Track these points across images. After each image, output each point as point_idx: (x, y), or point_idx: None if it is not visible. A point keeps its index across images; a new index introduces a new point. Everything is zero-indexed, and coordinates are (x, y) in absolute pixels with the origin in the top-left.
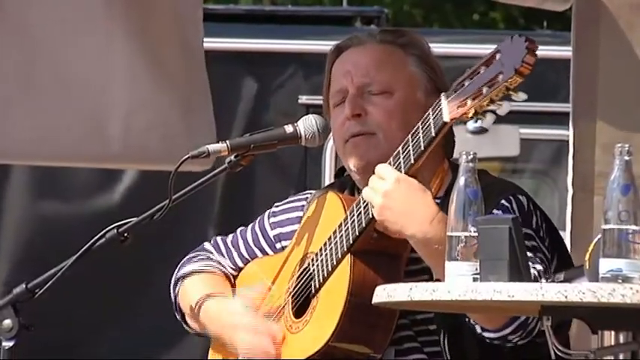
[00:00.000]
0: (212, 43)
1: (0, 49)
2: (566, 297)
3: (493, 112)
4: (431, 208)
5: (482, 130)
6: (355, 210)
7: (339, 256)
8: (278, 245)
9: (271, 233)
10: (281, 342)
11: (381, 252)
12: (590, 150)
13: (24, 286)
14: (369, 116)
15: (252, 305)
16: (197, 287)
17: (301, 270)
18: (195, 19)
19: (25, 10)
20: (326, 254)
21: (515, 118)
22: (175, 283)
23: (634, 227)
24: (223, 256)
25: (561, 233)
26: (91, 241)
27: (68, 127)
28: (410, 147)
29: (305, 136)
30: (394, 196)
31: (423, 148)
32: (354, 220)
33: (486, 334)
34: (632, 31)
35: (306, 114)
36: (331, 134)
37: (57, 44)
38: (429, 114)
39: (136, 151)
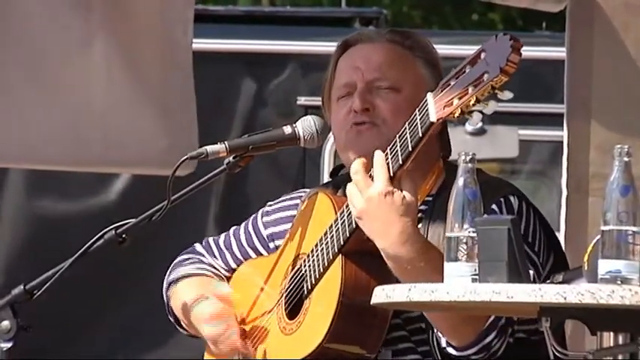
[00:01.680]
0: (211, 44)
1: None
2: (565, 298)
3: (480, 111)
4: (407, 229)
5: (481, 131)
6: (346, 211)
7: (331, 258)
8: (271, 245)
9: (264, 233)
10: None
11: (372, 252)
12: (585, 151)
13: (22, 287)
14: (377, 110)
15: (225, 300)
16: (188, 290)
17: (293, 271)
18: (185, 18)
19: (3, 13)
20: (317, 255)
21: (514, 119)
22: (167, 288)
23: (633, 228)
24: (215, 258)
25: (557, 234)
26: (89, 242)
27: (48, 131)
28: (398, 147)
29: (304, 137)
30: (374, 209)
31: (410, 148)
32: (344, 221)
33: (450, 350)
34: (627, 31)
35: (305, 115)
36: (330, 134)
37: (35, 45)
38: (415, 114)
39: (114, 154)
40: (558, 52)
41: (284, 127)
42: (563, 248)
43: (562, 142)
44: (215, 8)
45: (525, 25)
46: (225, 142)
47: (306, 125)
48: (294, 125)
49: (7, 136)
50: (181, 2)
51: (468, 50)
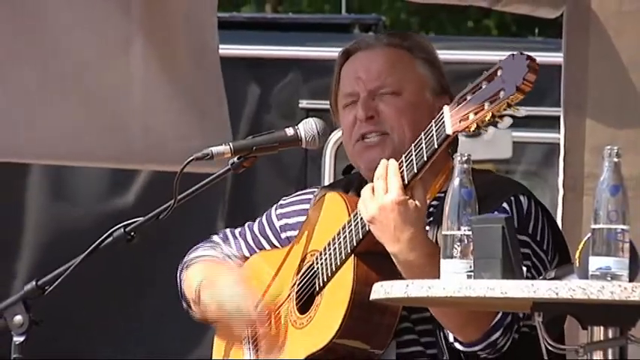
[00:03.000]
0: None
1: (21, 53)
2: (557, 294)
3: (494, 125)
4: (417, 237)
5: (476, 133)
6: (359, 213)
7: (343, 257)
8: (283, 235)
9: (277, 224)
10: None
11: (384, 254)
12: (580, 152)
13: (34, 282)
14: (381, 116)
15: (241, 279)
16: (200, 272)
17: (305, 267)
18: (211, 24)
19: (46, 15)
20: (330, 254)
21: None
22: (180, 271)
23: (622, 226)
24: (230, 246)
25: None
26: (99, 240)
27: (90, 128)
28: (413, 157)
29: (305, 138)
30: (386, 216)
31: (425, 158)
32: (357, 223)
33: (457, 345)
34: (619, 37)
35: (307, 117)
36: (331, 136)
37: (78, 48)
38: (431, 126)
39: (155, 152)
40: (551, 58)
41: (286, 129)
42: None
43: (554, 143)
44: (219, 15)
45: (519, 31)
46: (230, 144)
47: (307, 127)
48: (296, 127)
49: (49, 134)
50: (206, 8)
51: (464, 55)
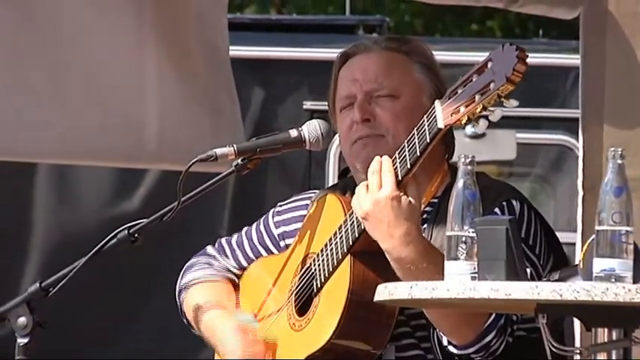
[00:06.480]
0: None
1: (34, 52)
2: (561, 295)
3: (486, 118)
4: (411, 232)
5: (480, 134)
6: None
7: (340, 257)
8: (282, 243)
9: (275, 232)
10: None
11: (380, 252)
12: (598, 153)
13: (38, 284)
14: (378, 119)
15: (245, 326)
16: (199, 297)
17: (303, 270)
18: (221, 25)
19: (58, 14)
20: (327, 255)
21: (512, 122)
22: (180, 292)
23: (626, 228)
24: (227, 258)
25: (566, 234)
26: (103, 241)
27: (104, 129)
28: (406, 152)
29: (309, 140)
30: (380, 211)
31: (418, 153)
32: (353, 222)
33: (451, 348)
34: (635, 38)
35: (311, 119)
36: (335, 138)
37: (90, 47)
38: (423, 120)
39: (169, 152)
40: (554, 59)
41: (290, 131)
42: (579, 244)
43: (558, 144)
44: None
45: (522, 32)
46: (234, 145)
47: (311, 129)
48: (300, 129)
49: (63, 135)
50: (217, 8)
51: (468, 57)
